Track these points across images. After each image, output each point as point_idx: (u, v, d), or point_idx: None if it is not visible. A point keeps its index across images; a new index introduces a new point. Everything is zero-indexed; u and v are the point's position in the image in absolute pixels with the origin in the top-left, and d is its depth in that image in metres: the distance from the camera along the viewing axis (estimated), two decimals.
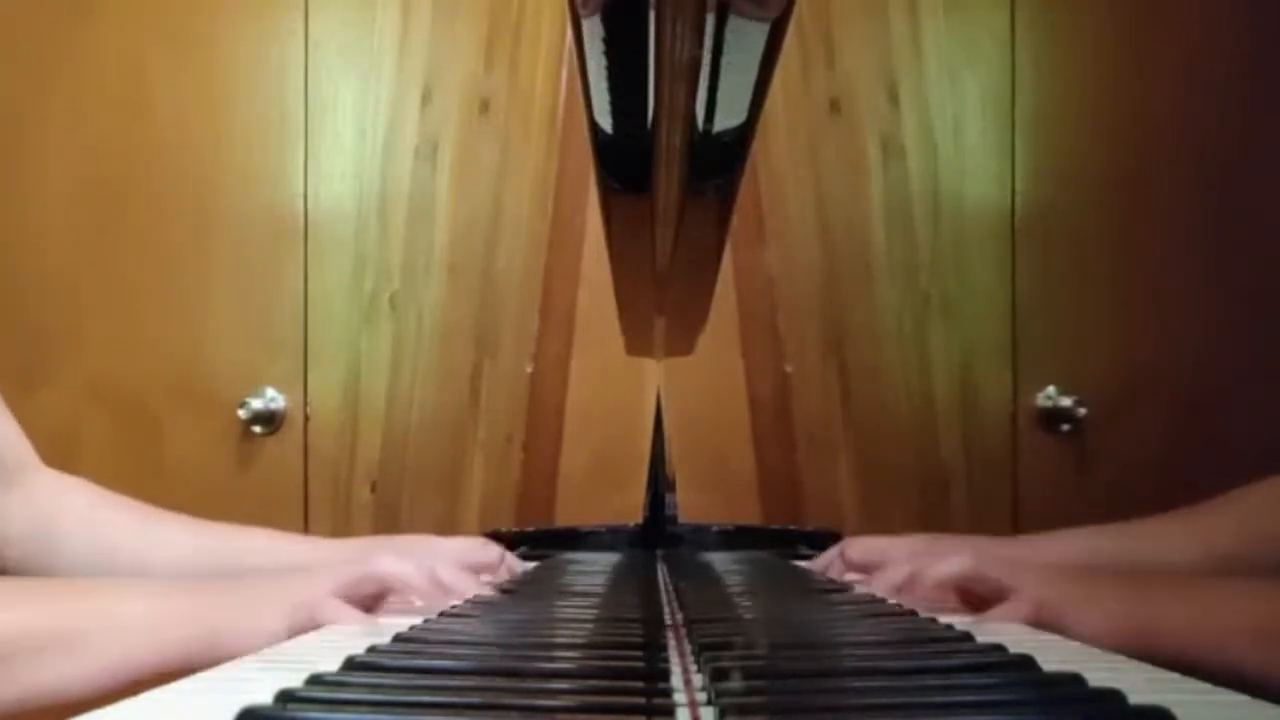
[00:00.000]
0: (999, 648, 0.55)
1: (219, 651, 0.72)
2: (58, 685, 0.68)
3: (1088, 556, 1.02)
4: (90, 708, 0.45)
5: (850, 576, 1.05)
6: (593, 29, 0.51)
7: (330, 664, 0.51)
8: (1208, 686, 0.49)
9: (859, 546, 1.08)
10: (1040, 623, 0.80)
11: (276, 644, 0.73)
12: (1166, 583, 0.87)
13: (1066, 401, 1.76)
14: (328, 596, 0.78)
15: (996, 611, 0.82)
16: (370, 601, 0.83)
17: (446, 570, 0.88)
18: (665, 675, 0.49)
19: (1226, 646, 0.75)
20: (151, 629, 0.72)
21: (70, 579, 0.88)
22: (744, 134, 0.60)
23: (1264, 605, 0.78)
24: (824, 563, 1.15)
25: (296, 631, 0.76)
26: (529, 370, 1.78)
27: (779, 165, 1.81)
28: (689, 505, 1.49)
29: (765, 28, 0.50)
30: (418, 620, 0.74)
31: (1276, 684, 0.73)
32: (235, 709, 0.41)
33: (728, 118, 0.58)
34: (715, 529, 1.49)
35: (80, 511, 1.01)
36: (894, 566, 0.93)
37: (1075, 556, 1.03)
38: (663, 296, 0.99)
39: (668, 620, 0.71)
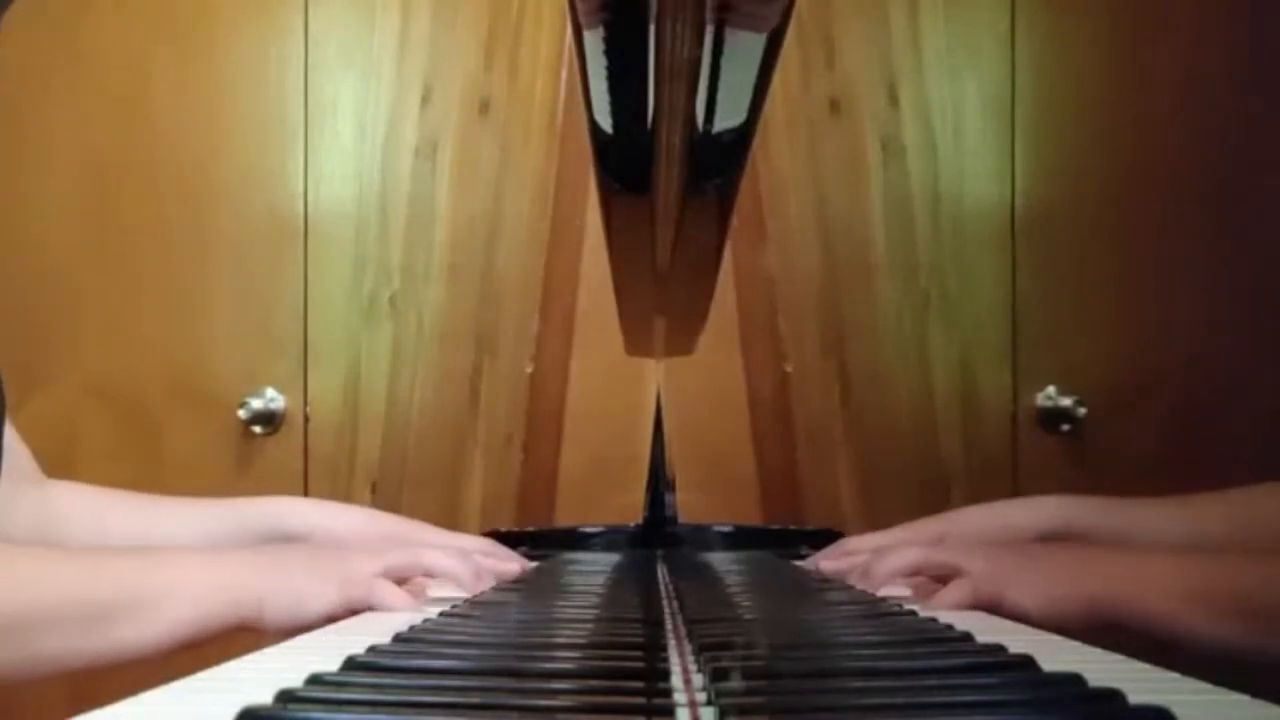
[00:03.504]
0: (999, 648, 0.55)
1: (265, 620, 0.80)
2: (125, 645, 0.76)
3: (1063, 525, 1.04)
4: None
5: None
6: (593, 30, 0.51)
7: (330, 664, 0.51)
8: (1208, 686, 0.49)
9: (829, 558, 1.09)
10: (984, 599, 0.83)
11: (325, 615, 0.80)
12: (1106, 552, 0.91)
13: (1066, 401, 1.76)
14: (379, 578, 0.84)
15: (942, 594, 0.85)
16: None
17: (486, 562, 0.96)
18: (665, 675, 0.49)
19: (1164, 613, 0.79)
20: (207, 596, 0.78)
21: (130, 548, 0.94)
22: (744, 134, 0.60)
23: (1199, 571, 0.82)
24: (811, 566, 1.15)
25: (349, 607, 0.82)
26: (529, 370, 1.78)
27: (779, 165, 1.81)
28: (689, 505, 1.49)
29: (765, 30, 0.50)
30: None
31: (1211, 647, 0.78)
32: (235, 709, 0.41)
33: (728, 118, 0.58)
34: (715, 529, 1.49)
35: (84, 508, 1.03)
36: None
37: (1049, 525, 1.05)
38: (663, 296, 0.99)
39: (668, 621, 0.71)
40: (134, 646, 0.76)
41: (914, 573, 0.92)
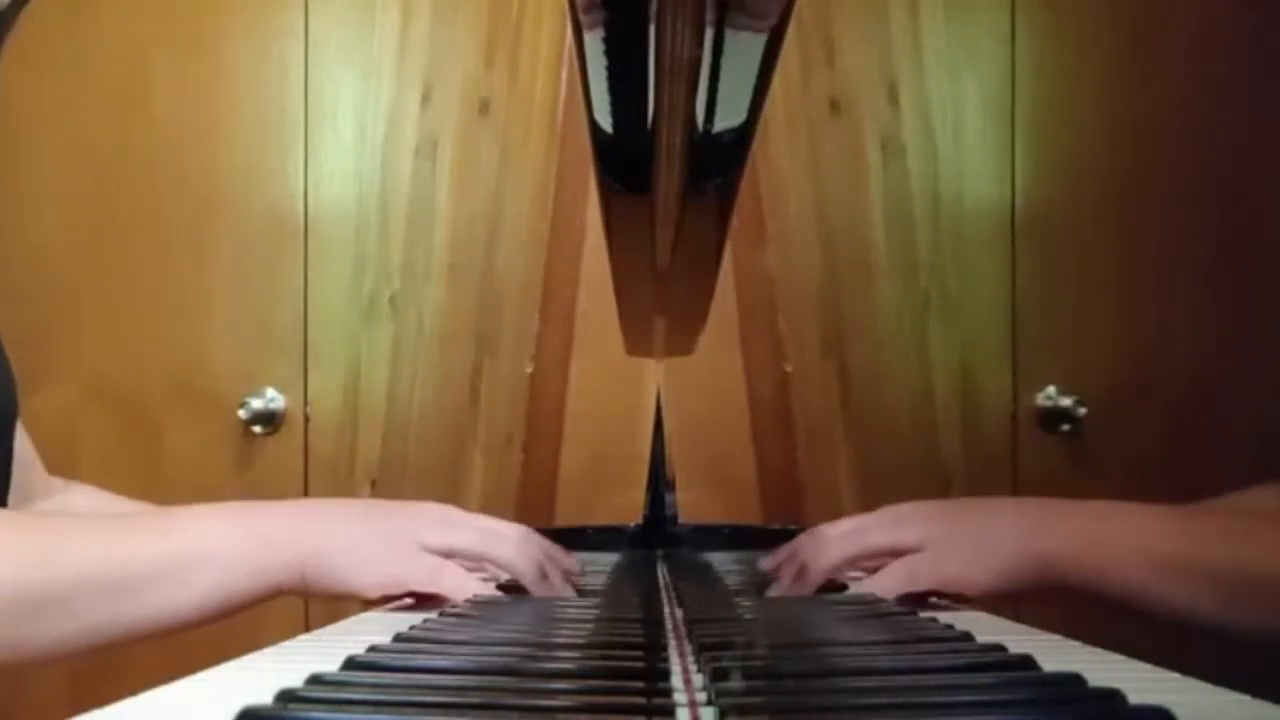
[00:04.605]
0: (999, 647, 0.55)
1: (309, 588, 0.75)
2: (162, 614, 0.71)
3: None
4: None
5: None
6: (593, 30, 0.51)
7: (330, 664, 0.50)
8: (1208, 686, 0.49)
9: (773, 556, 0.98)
10: (922, 578, 0.79)
11: (376, 590, 0.76)
12: (1060, 506, 0.83)
13: (1066, 401, 1.76)
14: (448, 565, 0.79)
15: (879, 578, 0.81)
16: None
17: (553, 569, 0.87)
18: (665, 675, 0.49)
19: (1129, 579, 0.73)
20: (246, 557, 0.73)
21: (158, 509, 0.88)
22: (744, 134, 0.60)
23: (1175, 529, 0.75)
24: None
25: (411, 589, 0.77)
26: (529, 370, 1.78)
27: (779, 165, 1.81)
28: (689, 505, 1.49)
29: (765, 30, 0.50)
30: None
31: (1172, 609, 0.73)
32: (235, 709, 0.41)
33: (728, 118, 0.58)
34: (715, 529, 1.49)
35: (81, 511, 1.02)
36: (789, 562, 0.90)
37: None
38: (663, 296, 0.99)
39: (668, 621, 0.71)
40: (169, 618, 0.71)
41: (851, 565, 0.86)
